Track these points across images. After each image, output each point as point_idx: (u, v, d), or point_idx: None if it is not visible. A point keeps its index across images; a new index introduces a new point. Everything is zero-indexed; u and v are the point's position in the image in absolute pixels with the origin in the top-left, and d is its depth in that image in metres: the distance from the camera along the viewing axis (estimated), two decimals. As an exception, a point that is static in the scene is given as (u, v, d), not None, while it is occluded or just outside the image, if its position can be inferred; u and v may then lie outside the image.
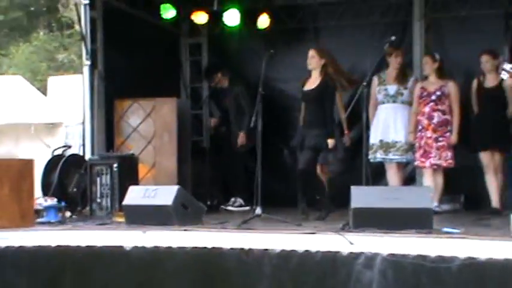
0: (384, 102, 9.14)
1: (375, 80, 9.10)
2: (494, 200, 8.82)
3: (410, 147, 9.01)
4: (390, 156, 9.00)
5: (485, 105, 8.87)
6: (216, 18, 10.48)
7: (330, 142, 8.23)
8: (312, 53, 8.46)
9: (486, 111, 8.86)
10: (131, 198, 7.37)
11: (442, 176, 8.92)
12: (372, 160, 8.82)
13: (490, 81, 8.83)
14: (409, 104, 9.12)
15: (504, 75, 6.68)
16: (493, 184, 8.82)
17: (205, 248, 6.32)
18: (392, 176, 9.05)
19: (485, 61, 8.81)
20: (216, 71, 10.38)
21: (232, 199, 10.03)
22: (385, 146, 9.02)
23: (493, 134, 8.75)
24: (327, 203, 8.20)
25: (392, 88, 9.11)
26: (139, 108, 9.51)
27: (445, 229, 6.37)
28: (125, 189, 7.59)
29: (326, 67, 8.37)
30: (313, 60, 8.40)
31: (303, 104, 8.58)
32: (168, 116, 9.33)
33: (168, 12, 10.32)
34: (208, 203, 9.36)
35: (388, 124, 9.04)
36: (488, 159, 8.83)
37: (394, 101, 9.10)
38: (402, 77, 9.11)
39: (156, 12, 10.29)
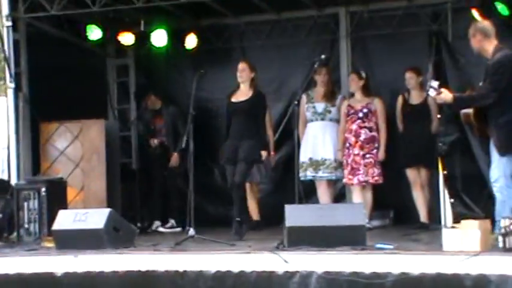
0: (312, 120, 9.20)
1: (304, 97, 9.15)
2: (422, 215, 8.96)
3: (340, 165, 9.08)
4: (320, 173, 9.06)
5: (411, 121, 9.02)
6: (143, 38, 10.39)
7: (263, 154, 8.27)
8: (243, 65, 8.50)
9: (411, 127, 9.01)
10: (61, 222, 7.23)
11: (370, 193, 9.02)
12: (302, 178, 8.86)
13: (414, 98, 8.99)
14: (337, 121, 9.21)
15: (432, 93, 6.80)
16: (420, 199, 8.96)
17: (139, 271, 6.25)
18: (323, 193, 9.10)
19: (410, 78, 8.97)
20: (147, 92, 10.28)
21: (170, 221, 9.93)
22: (315, 164, 9.07)
23: (419, 151, 8.89)
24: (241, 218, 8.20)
25: (320, 106, 9.19)
26: (66, 131, 9.37)
27: (378, 245, 6.42)
28: (54, 213, 7.44)
29: (256, 80, 8.42)
30: (244, 73, 8.43)
31: (232, 117, 8.51)
32: (96, 138, 9.23)
33: (94, 33, 10.19)
34: (139, 225, 9.24)
35: (317, 142, 9.10)
36: (414, 175, 8.96)
37: (322, 119, 9.18)
38: (330, 94, 9.20)
39: (81, 33, 10.15)
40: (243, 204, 8.49)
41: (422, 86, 8.84)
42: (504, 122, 6.55)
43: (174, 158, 9.86)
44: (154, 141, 9.98)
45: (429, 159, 8.90)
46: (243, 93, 8.43)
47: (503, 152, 6.54)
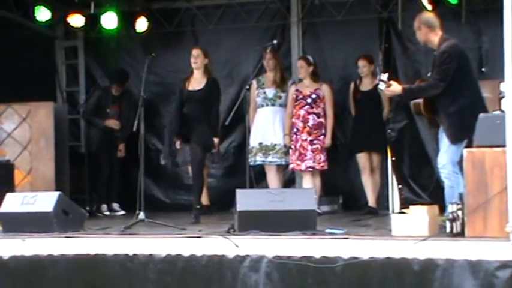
0: (263, 106, 9.22)
1: (254, 83, 9.17)
2: (371, 200, 9.07)
3: (288, 151, 9.12)
4: (269, 158, 9.08)
5: (362, 108, 9.12)
6: (92, 21, 10.27)
7: (216, 140, 8.28)
8: (197, 51, 8.44)
9: (362, 113, 9.10)
10: (8, 205, 7.10)
11: (319, 178, 9.09)
12: (252, 163, 8.88)
13: (365, 85, 9.08)
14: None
15: (381, 86, 6.85)
16: (369, 184, 9.06)
17: (88, 254, 6.19)
18: (272, 178, 9.12)
19: (362, 66, 9.06)
20: (127, 78, 10.16)
21: (114, 205, 9.88)
22: (265, 149, 9.09)
23: (370, 136, 8.99)
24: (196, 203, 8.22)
25: (270, 91, 9.20)
26: (14, 113, 9.20)
27: (329, 230, 6.47)
28: (1, 196, 7.30)
29: (209, 67, 8.39)
30: (199, 60, 8.39)
31: (186, 104, 8.46)
32: (45, 121, 9.09)
33: (42, 14, 10.02)
34: (88, 208, 9.16)
35: (267, 127, 9.12)
36: (365, 161, 9.06)
37: (273, 104, 9.19)
38: (280, 80, 9.21)
39: (29, 14, 9.97)
40: (202, 192, 8.47)
41: (374, 74, 8.93)
42: (454, 111, 6.62)
43: (122, 148, 9.86)
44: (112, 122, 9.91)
45: (380, 144, 9.04)
46: (198, 81, 8.37)
47: (454, 142, 6.63)
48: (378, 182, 9.13)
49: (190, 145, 8.42)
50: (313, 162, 8.95)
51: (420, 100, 6.87)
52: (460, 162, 6.39)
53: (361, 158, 9.08)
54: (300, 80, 9.24)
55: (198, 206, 8.20)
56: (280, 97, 9.19)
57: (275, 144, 9.09)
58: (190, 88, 8.44)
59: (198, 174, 8.31)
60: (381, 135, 9.10)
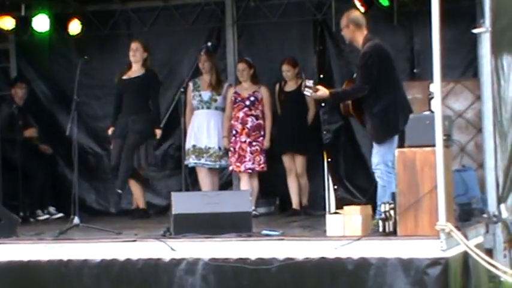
0: (198, 108, 9.19)
1: (190, 85, 9.14)
2: (295, 202, 9.12)
3: (225, 153, 9.10)
4: (202, 161, 9.03)
5: (285, 109, 9.17)
6: (24, 23, 10.09)
7: (158, 132, 8.20)
8: (136, 45, 8.39)
9: (287, 115, 9.15)
10: None
11: (257, 180, 9.11)
12: (186, 165, 8.86)
13: (290, 86, 9.12)
14: (223, 110, 9.23)
15: (307, 92, 6.87)
16: (293, 186, 9.12)
17: (21, 261, 6.10)
18: (202, 180, 9.05)
19: (286, 70, 9.12)
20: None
21: (51, 208, 9.78)
22: (198, 151, 9.04)
23: (293, 138, 9.04)
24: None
25: (206, 94, 9.18)
26: None
27: (265, 231, 6.50)
28: None
29: (148, 60, 8.34)
30: (138, 53, 8.34)
31: (124, 95, 8.36)
32: (-25, 126, 8.89)
33: (-29, 16, 9.83)
34: (21, 214, 9.00)
35: (202, 130, 9.08)
36: (289, 162, 9.12)
37: (208, 107, 9.17)
38: (216, 83, 9.20)
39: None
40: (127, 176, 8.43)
41: (298, 75, 9.00)
42: (377, 111, 6.69)
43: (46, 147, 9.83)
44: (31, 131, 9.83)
45: (304, 146, 9.08)
46: (135, 72, 8.31)
47: (378, 142, 6.71)
48: (304, 184, 9.16)
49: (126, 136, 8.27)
50: (253, 163, 8.98)
51: (348, 102, 6.94)
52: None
53: (286, 160, 9.13)
54: (239, 83, 9.24)
55: (120, 191, 8.10)
56: (215, 100, 9.18)
57: (209, 148, 9.06)
58: (125, 77, 8.32)
59: (128, 158, 8.19)
60: (305, 137, 9.12)
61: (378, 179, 6.78)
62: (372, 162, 6.85)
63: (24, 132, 9.71)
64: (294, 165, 9.09)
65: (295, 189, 9.11)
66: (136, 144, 8.36)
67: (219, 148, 9.08)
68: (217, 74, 9.31)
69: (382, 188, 6.69)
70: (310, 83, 6.84)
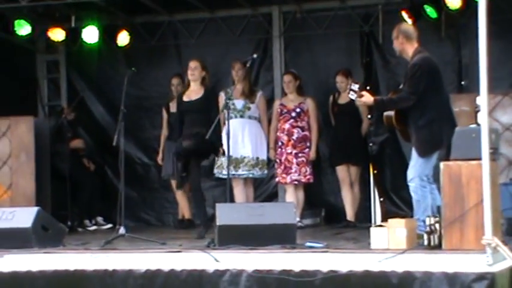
0: (232, 117, 9.06)
1: (222, 95, 9.04)
2: (349, 214, 9.07)
3: (258, 163, 8.99)
4: (239, 171, 8.90)
5: (340, 121, 9.16)
6: (74, 35, 10.25)
7: (221, 150, 8.16)
8: (195, 64, 8.28)
9: (341, 126, 9.14)
10: (-13, 221, 7.07)
11: (302, 191, 9.10)
12: (220, 176, 8.84)
13: (343, 98, 9.07)
14: (256, 118, 9.14)
15: (352, 96, 6.87)
16: (348, 198, 9.08)
17: (67, 270, 6.16)
18: (239, 191, 8.93)
19: (340, 81, 9.09)
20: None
21: (98, 218, 9.89)
22: (235, 162, 8.85)
23: (348, 149, 9.01)
24: (204, 220, 8.11)
25: (239, 102, 9.09)
26: (-6, 128, 9.16)
27: (308, 243, 6.48)
28: (-20, 212, 7.25)
29: (206, 79, 8.32)
30: (196, 72, 8.25)
31: (185, 116, 8.29)
32: (25, 135, 9.03)
33: (23, 28, 9.97)
34: (69, 223, 9.13)
35: (236, 139, 8.88)
36: (343, 174, 9.08)
37: (241, 116, 9.06)
38: (249, 91, 9.13)
39: (9, 28, 9.92)
40: (203, 207, 8.21)
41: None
42: (423, 124, 6.64)
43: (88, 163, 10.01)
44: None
45: (358, 157, 9.06)
46: (195, 92, 8.21)
47: (421, 155, 6.66)
48: (357, 195, 9.14)
49: (190, 159, 8.15)
50: (299, 175, 8.97)
51: (392, 113, 6.89)
52: (434, 175, 6.42)
53: (340, 171, 9.10)
54: (285, 94, 9.23)
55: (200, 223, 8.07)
56: (249, 108, 9.08)
57: (244, 157, 8.97)
58: (186, 99, 8.29)
59: (198, 188, 8.14)
60: (359, 149, 9.10)
61: (412, 193, 6.71)
62: (407, 175, 6.79)
63: (70, 143, 9.86)
64: (348, 177, 9.04)
65: (349, 200, 9.06)
66: (199, 165, 8.26)
67: (252, 158, 8.94)
68: (250, 83, 9.29)
69: (417, 203, 6.64)
70: (355, 86, 6.84)
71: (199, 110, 8.09)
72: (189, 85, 8.38)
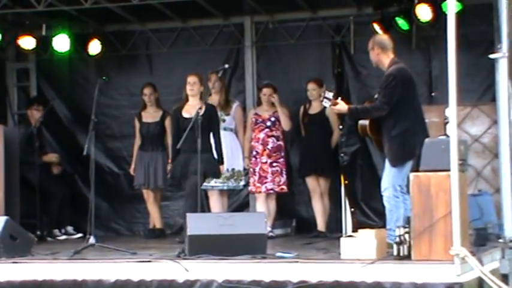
0: None
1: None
2: (320, 224, 9.08)
3: (239, 174, 9.01)
4: (212, 183, 8.76)
5: (310, 131, 9.17)
6: (44, 43, 10.19)
7: (222, 168, 8.11)
8: (193, 79, 8.18)
9: (310, 137, 9.16)
10: (-47, 231, 6.97)
11: (274, 201, 9.11)
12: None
13: (314, 108, 9.11)
14: (232, 130, 9.13)
15: (326, 103, 6.90)
16: (318, 208, 9.09)
17: (35, 280, 6.12)
18: (215, 203, 8.83)
19: (312, 89, 9.09)
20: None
21: (68, 227, 9.81)
22: None
23: (317, 160, 9.03)
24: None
25: None
26: (-37, 136, 9.02)
27: (279, 253, 6.49)
28: None
29: (204, 94, 8.20)
30: (195, 87, 8.15)
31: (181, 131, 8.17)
32: (-6, 144, 8.93)
33: (-9, 36, 9.92)
34: (39, 233, 9.04)
35: None
36: (313, 184, 9.09)
37: None
38: (224, 103, 9.11)
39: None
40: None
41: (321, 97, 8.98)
42: (396, 134, 6.70)
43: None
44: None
45: (328, 168, 9.07)
46: (194, 108, 7.93)
47: (394, 164, 6.71)
48: (327, 205, 9.14)
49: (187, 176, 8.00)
50: (273, 184, 8.99)
51: (366, 122, 6.93)
52: (406, 186, 6.46)
53: (310, 182, 9.11)
54: (259, 104, 9.25)
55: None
56: (224, 120, 9.02)
57: None
58: (186, 115, 8.10)
59: (191, 197, 7.85)
60: (329, 160, 9.10)
61: (385, 203, 6.76)
62: (381, 185, 6.83)
63: (43, 156, 9.79)
64: (318, 187, 9.06)
65: (320, 210, 9.07)
66: (198, 185, 8.12)
67: (227, 170, 8.82)
68: (226, 94, 9.26)
69: (390, 212, 6.69)
70: (330, 94, 6.85)
71: (200, 125, 7.86)
72: (187, 100, 8.28)
